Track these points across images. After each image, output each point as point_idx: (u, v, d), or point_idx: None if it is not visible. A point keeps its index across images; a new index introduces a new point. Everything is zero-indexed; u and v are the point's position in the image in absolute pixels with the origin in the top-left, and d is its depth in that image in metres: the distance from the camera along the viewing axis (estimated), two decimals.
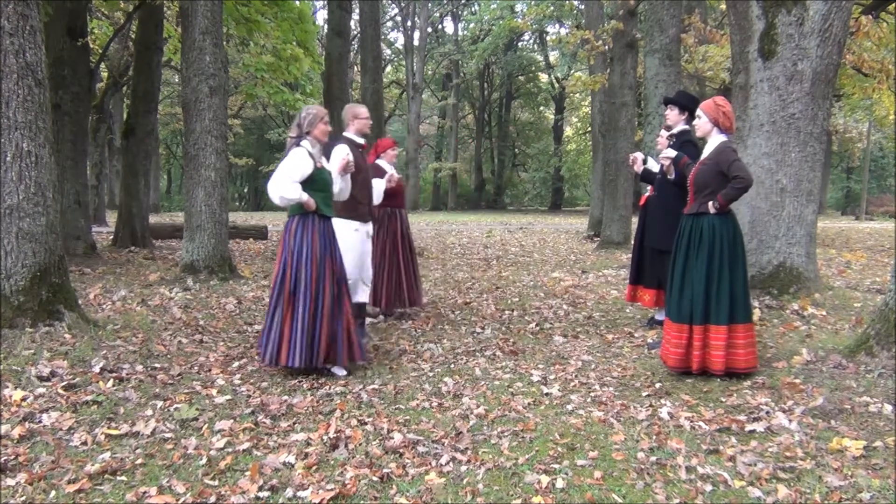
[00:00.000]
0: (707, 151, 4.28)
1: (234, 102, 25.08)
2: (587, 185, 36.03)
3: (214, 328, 5.60)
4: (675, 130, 5.30)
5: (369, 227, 5.31)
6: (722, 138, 4.22)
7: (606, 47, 13.52)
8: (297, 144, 4.29)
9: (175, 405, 3.63)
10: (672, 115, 5.29)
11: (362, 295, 5.25)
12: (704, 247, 4.13)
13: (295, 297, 4.17)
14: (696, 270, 4.13)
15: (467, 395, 3.94)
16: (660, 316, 5.43)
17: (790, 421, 3.40)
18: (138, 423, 3.34)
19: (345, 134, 5.20)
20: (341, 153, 4.80)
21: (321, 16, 30.65)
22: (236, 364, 4.53)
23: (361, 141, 5.17)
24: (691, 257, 4.18)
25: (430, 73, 41.64)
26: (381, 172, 5.92)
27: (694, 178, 4.28)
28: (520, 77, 42.31)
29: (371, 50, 16.52)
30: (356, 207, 5.11)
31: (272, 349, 4.16)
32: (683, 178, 4.77)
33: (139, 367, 4.24)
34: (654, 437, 3.28)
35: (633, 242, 6.06)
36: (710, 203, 4.13)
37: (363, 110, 5.20)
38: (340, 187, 4.70)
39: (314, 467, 2.93)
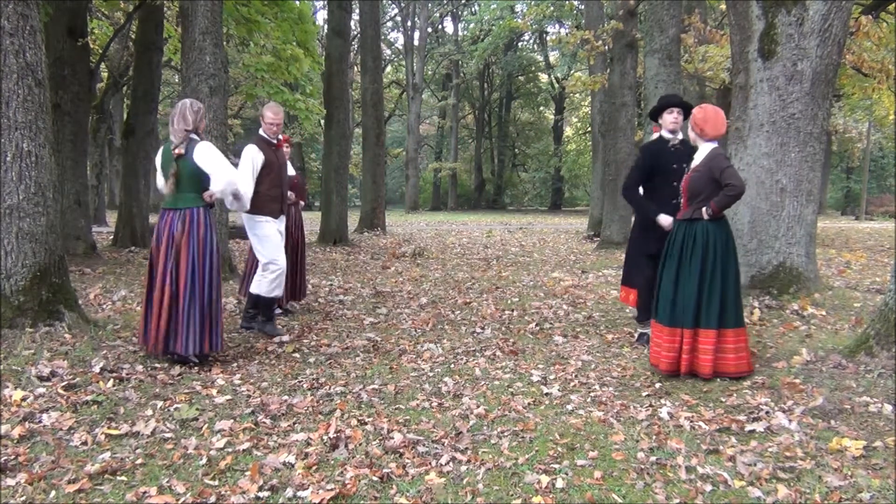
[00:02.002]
0: (699, 158, 4.32)
1: (234, 102, 25.07)
2: (587, 185, 36.03)
3: None
4: (681, 136, 5.20)
5: (280, 222, 5.56)
6: (712, 145, 4.25)
7: (606, 47, 13.51)
8: (201, 138, 4.43)
9: (175, 405, 3.64)
10: (680, 119, 5.16)
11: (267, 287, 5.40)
12: (698, 252, 4.16)
13: (151, 284, 4.32)
14: (689, 275, 4.17)
15: (467, 395, 3.94)
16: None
17: (790, 421, 3.40)
18: (138, 423, 3.34)
19: (260, 132, 5.49)
20: (249, 154, 5.23)
21: (321, 16, 30.67)
22: (236, 364, 4.53)
23: (274, 140, 5.46)
24: (684, 262, 4.21)
25: (430, 73, 41.63)
26: None
27: (687, 185, 4.33)
28: (520, 77, 42.32)
29: (371, 50, 16.56)
30: (267, 204, 5.35)
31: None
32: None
33: (139, 367, 4.24)
34: (654, 437, 3.28)
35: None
36: (704, 209, 4.17)
37: (269, 113, 5.42)
38: (233, 203, 4.77)
39: (314, 467, 2.93)
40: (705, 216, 4.16)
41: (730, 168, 4.10)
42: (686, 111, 5.03)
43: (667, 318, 4.22)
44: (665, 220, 4.73)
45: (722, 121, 4.24)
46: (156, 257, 4.32)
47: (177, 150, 4.30)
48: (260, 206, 5.28)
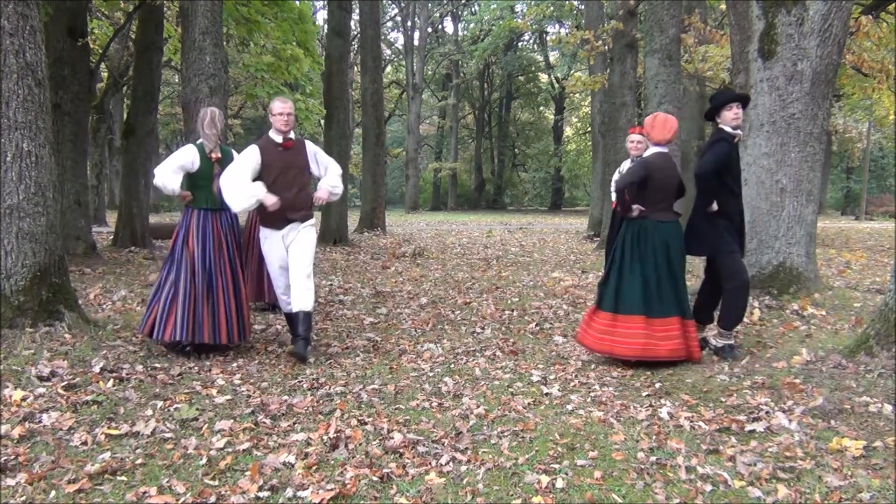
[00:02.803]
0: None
1: (234, 102, 25.03)
2: (587, 185, 36.01)
3: None
4: (740, 132, 5.00)
5: (284, 232, 4.76)
6: (657, 149, 4.58)
7: (606, 47, 13.51)
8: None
9: (175, 405, 3.64)
10: (741, 113, 4.78)
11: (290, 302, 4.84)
12: (647, 246, 4.50)
13: (205, 282, 4.64)
14: (654, 269, 4.48)
15: (467, 395, 3.94)
16: (719, 341, 4.75)
17: (790, 421, 3.40)
18: (138, 423, 3.34)
19: (270, 133, 4.83)
20: (245, 152, 4.69)
21: (321, 16, 30.64)
22: (236, 364, 4.53)
23: (279, 140, 4.73)
24: (642, 256, 4.52)
25: (430, 73, 41.60)
26: None
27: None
28: (520, 77, 42.28)
29: (371, 50, 16.56)
30: (264, 214, 4.71)
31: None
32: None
33: (139, 367, 4.24)
34: (654, 437, 3.28)
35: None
36: (634, 206, 4.55)
37: (277, 103, 4.76)
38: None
39: (314, 467, 2.93)
40: (635, 213, 4.55)
41: (629, 171, 4.70)
42: (745, 104, 4.81)
43: (651, 310, 4.42)
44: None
45: (669, 128, 4.54)
46: (206, 255, 4.61)
47: (214, 155, 4.69)
48: (259, 216, 4.81)
